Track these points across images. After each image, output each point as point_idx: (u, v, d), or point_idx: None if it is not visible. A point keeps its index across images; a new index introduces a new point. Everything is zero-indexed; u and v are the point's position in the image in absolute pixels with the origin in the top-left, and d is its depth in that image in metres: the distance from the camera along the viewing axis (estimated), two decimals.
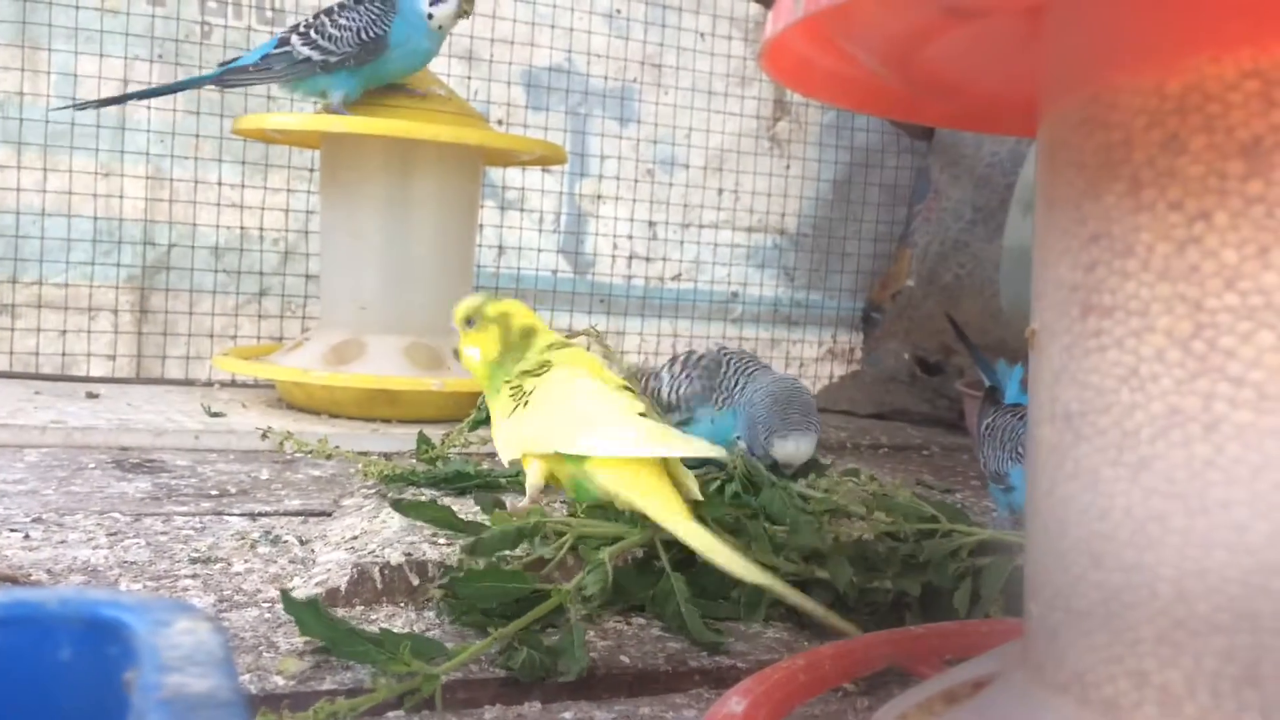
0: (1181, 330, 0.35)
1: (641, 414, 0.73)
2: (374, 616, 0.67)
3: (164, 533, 0.81)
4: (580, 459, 0.73)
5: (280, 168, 1.63)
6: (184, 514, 0.87)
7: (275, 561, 0.76)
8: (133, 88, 1.55)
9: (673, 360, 1.03)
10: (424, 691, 0.55)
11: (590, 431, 0.73)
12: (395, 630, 0.59)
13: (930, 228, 1.85)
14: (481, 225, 1.71)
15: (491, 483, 0.90)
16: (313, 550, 0.78)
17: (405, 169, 1.37)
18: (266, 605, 0.67)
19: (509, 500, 0.80)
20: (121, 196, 1.56)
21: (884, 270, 1.99)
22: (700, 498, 0.72)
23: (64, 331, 1.54)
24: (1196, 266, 0.35)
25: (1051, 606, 0.40)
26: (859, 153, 2.00)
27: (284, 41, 1.32)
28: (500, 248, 1.79)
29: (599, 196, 1.85)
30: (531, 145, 1.42)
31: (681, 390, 0.98)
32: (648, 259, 1.89)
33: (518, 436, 0.77)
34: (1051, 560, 0.40)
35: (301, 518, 0.88)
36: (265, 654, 0.59)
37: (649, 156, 1.87)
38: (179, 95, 1.57)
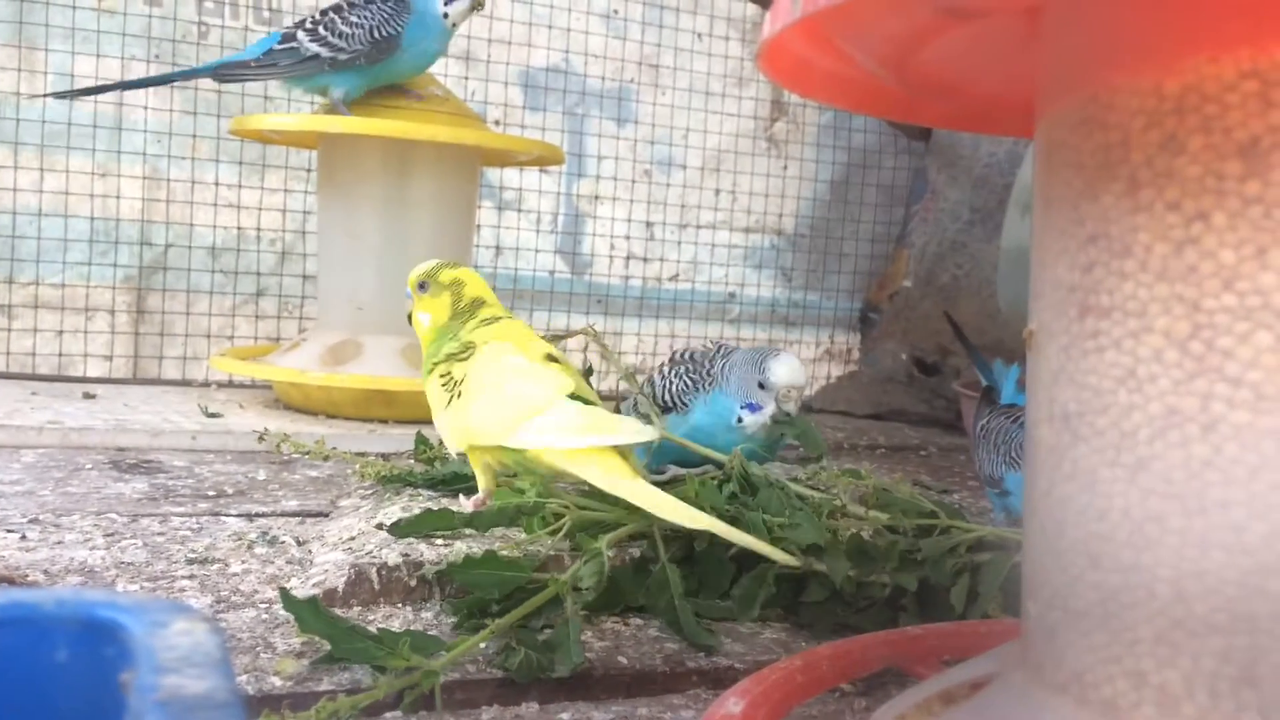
0: (1179, 331, 0.35)
1: (573, 394, 0.74)
2: (371, 617, 0.67)
3: (161, 533, 0.81)
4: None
5: (277, 168, 1.63)
6: (181, 515, 0.87)
7: (272, 562, 0.76)
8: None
9: (664, 362, 1.04)
10: (423, 687, 0.55)
11: (528, 424, 0.73)
12: (393, 630, 0.59)
13: (928, 228, 1.85)
14: (479, 226, 1.71)
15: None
16: (310, 551, 0.78)
17: (403, 169, 1.37)
18: (264, 606, 0.67)
19: (461, 499, 0.81)
20: (118, 197, 1.56)
21: (881, 271, 1.99)
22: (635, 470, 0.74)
23: (61, 332, 1.54)
24: (1194, 267, 0.35)
25: (1050, 606, 0.40)
26: (856, 153, 2.01)
27: (289, 37, 1.31)
28: (498, 248, 1.79)
29: (596, 197, 1.85)
30: (529, 146, 1.42)
31: (673, 389, 0.98)
32: (645, 259, 1.89)
33: (460, 429, 0.78)
34: (1050, 560, 0.40)
35: (299, 518, 0.88)
36: (263, 655, 0.59)
37: (646, 157, 1.87)
38: (176, 95, 1.57)
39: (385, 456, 0.96)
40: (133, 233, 1.57)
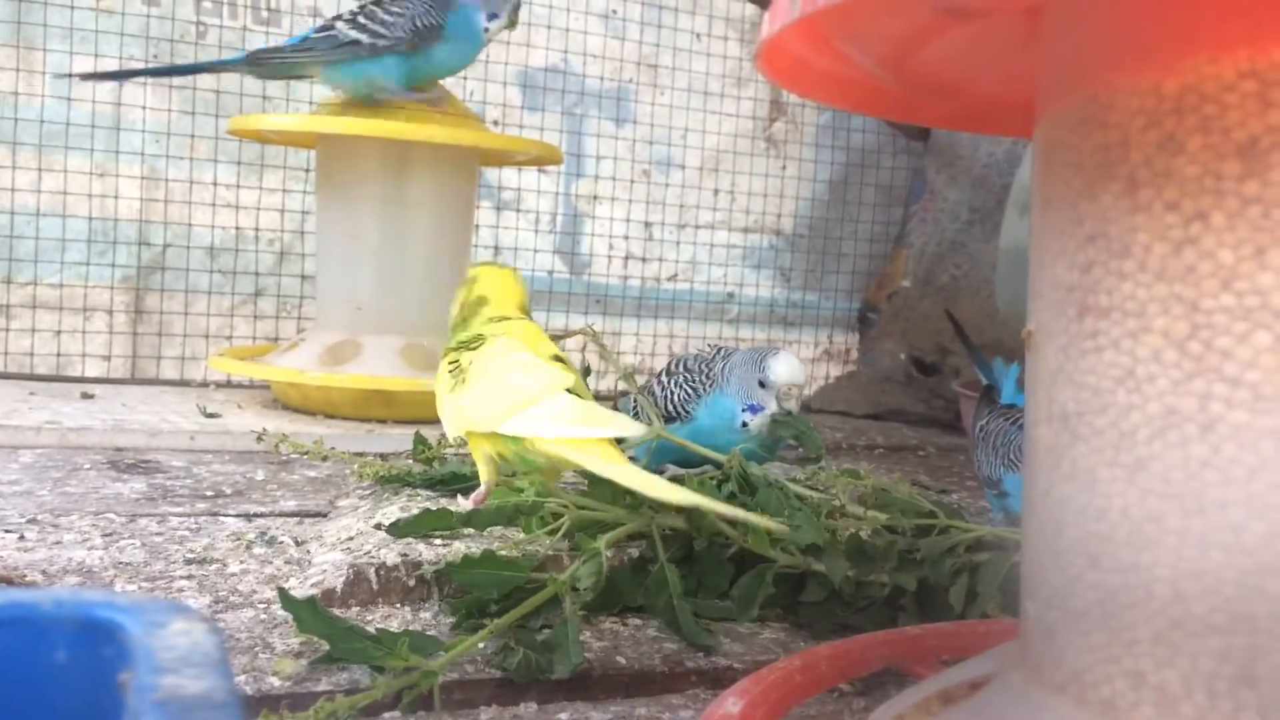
0: (1178, 331, 0.35)
1: (570, 389, 0.74)
2: (370, 617, 0.67)
3: (159, 534, 0.81)
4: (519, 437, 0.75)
5: (276, 168, 1.63)
6: (179, 515, 0.87)
7: (271, 562, 0.75)
8: (128, 88, 1.55)
9: (662, 371, 1.04)
10: (422, 687, 0.55)
11: (523, 414, 0.74)
12: (392, 630, 0.59)
13: (927, 228, 1.85)
14: (477, 226, 1.71)
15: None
16: (308, 551, 0.78)
17: (401, 169, 1.37)
18: (262, 606, 0.67)
19: (459, 498, 0.81)
20: (116, 197, 1.56)
21: (880, 271, 1.99)
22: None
23: (59, 332, 1.54)
24: (1193, 267, 0.35)
25: (1049, 606, 0.40)
26: (855, 153, 2.01)
27: (327, 26, 1.32)
28: (496, 248, 1.79)
29: (595, 197, 1.85)
30: (527, 146, 1.42)
31: (675, 399, 0.98)
32: (644, 259, 1.89)
33: (459, 414, 0.78)
34: (1049, 560, 0.40)
35: (297, 518, 0.88)
36: (261, 655, 0.59)
37: (645, 157, 1.87)
38: (174, 95, 1.57)
39: (384, 457, 0.96)
40: (131, 233, 1.57)
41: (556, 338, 1.07)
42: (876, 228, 2.02)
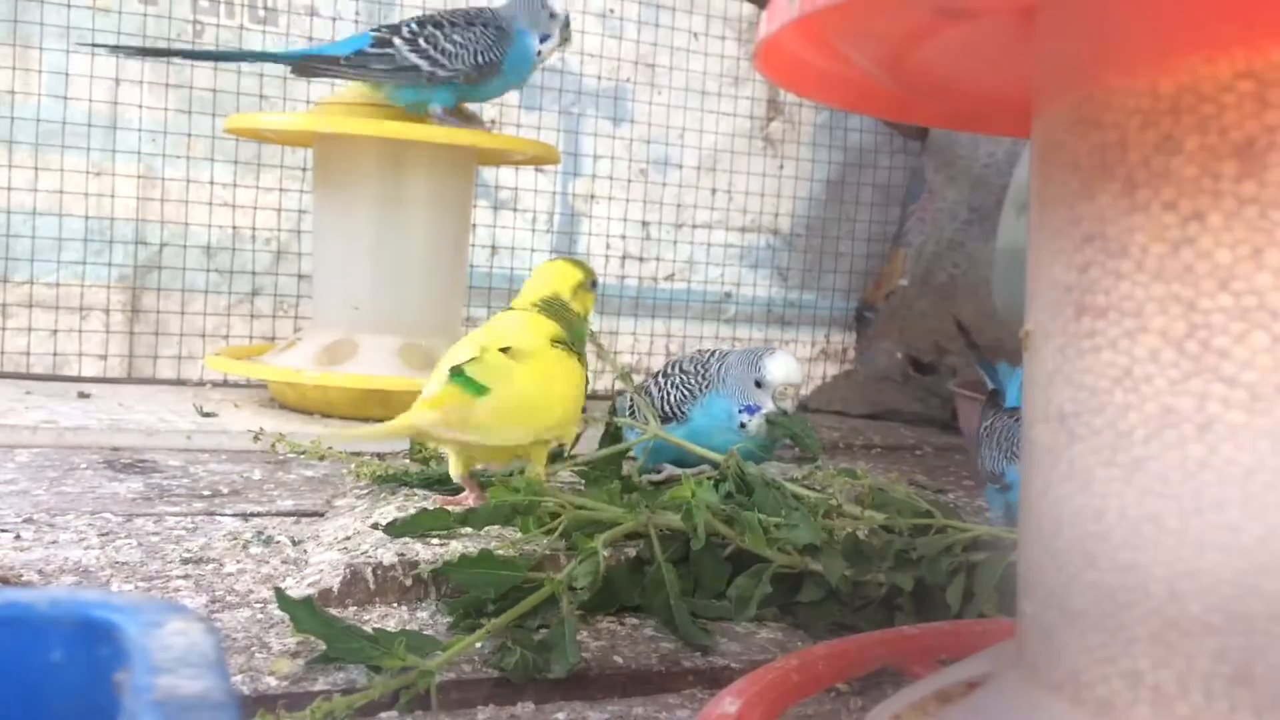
0: (1175, 331, 0.35)
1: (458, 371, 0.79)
2: (367, 617, 0.67)
3: (156, 533, 0.81)
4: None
5: (273, 167, 1.63)
6: (176, 514, 0.87)
7: (267, 562, 0.75)
8: (125, 86, 1.55)
9: (659, 371, 1.04)
10: (419, 686, 0.55)
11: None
12: (389, 630, 0.59)
13: (925, 228, 1.85)
14: (475, 225, 1.70)
15: (485, 483, 0.90)
16: (305, 551, 0.78)
17: (398, 169, 1.37)
18: (259, 606, 0.67)
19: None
20: (113, 196, 1.55)
21: (877, 270, 1.99)
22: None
23: (55, 331, 1.54)
24: (1190, 267, 0.35)
25: (1046, 606, 0.40)
26: (852, 153, 2.01)
27: (383, 42, 1.30)
28: (493, 247, 1.79)
29: (592, 196, 1.85)
30: (525, 145, 1.42)
31: (671, 399, 0.99)
32: (641, 259, 1.89)
33: None
34: (1046, 560, 0.40)
35: (294, 518, 0.88)
36: (258, 655, 0.59)
37: (642, 156, 1.87)
38: (171, 94, 1.57)
39: (381, 456, 0.96)
40: (127, 232, 1.57)
41: None
42: (874, 227, 2.02)
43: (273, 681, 0.56)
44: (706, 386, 0.97)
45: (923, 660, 0.58)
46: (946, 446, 1.50)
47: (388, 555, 0.71)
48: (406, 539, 0.74)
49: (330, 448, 0.91)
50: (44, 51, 1.51)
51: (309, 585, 0.69)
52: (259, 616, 0.65)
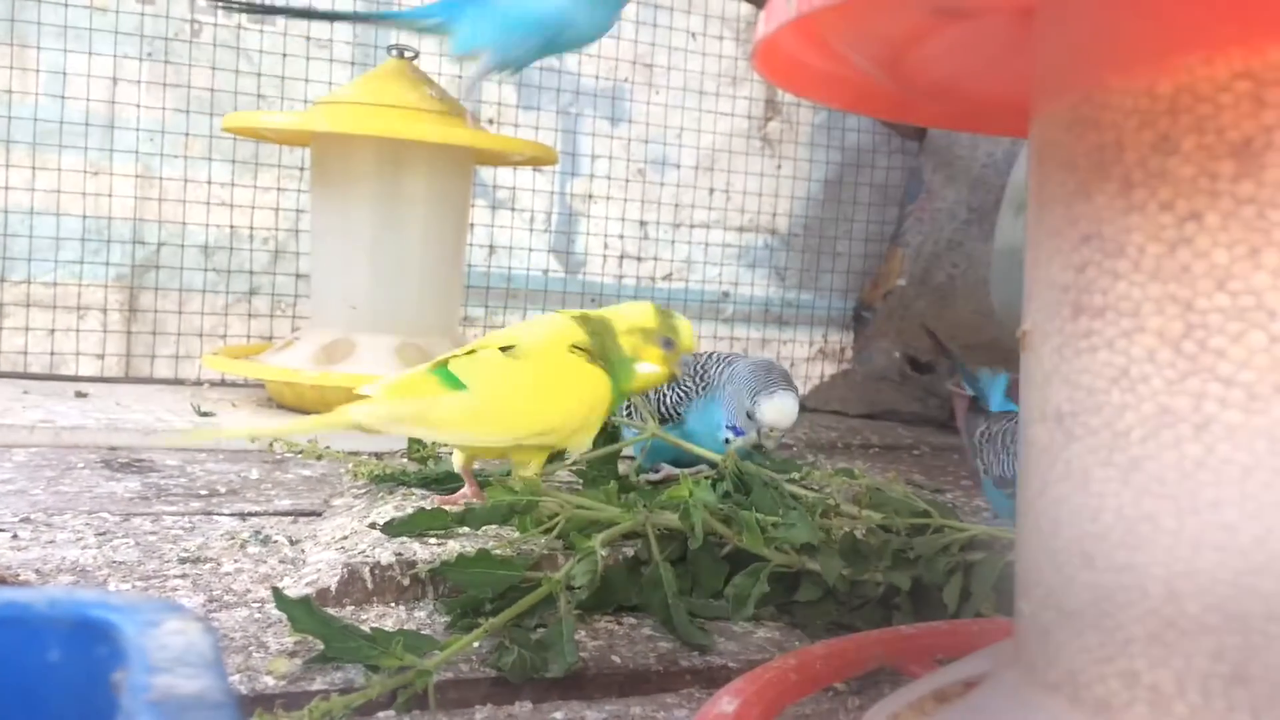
0: (1172, 331, 0.35)
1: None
2: (364, 616, 0.67)
3: (153, 533, 0.81)
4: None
5: (270, 166, 1.63)
6: (173, 514, 0.87)
7: (265, 561, 0.75)
8: (123, 86, 1.54)
9: None
10: (416, 686, 0.55)
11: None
12: (386, 629, 0.59)
13: (923, 228, 1.85)
14: (472, 225, 1.70)
15: (482, 483, 0.89)
16: (303, 550, 0.78)
17: (396, 168, 1.37)
18: (256, 605, 0.67)
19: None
20: (110, 195, 1.55)
21: (875, 270, 1.99)
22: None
23: (53, 330, 1.54)
24: (1187, 267, 0.35)
25: (1043, 606, 0.40)
26: (850, 153, 2.01)
27: None
28: (491, 247, 1.79)
29: (590, 196, 1.85)
30: (522, 146, 1.42)
31: (668, 399, 0.99)
32: (639, 259, 1.89)
33: None
34: (1043, 560, 0.40)
35: (291, 517, 0.88)
36: (255, 654, 0.59)
37: (640, 156, 1.87)
38: (168, 93, 1.56)
39: (378, 455, 0.96)
40: (125, 231, 1.56)
41: None
42: (871, 227, 2.02)
43: (270, 681, 0.56)
44: (704, 390, 0.97)
45: (920, 660, 0.58)
46: (944, 446, 1.50)
47: (385, 555, 0.71)
48: (404, 538, 0.74)
49: (327, 447, 0.91)
50: (41, 51, 1.50)
51: (306, 585, 0.69)
52: (256, 616, 0.65)
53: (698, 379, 0.98)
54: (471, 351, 0.81)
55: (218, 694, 0.28)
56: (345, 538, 0.76)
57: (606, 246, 1.86)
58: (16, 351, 1.52)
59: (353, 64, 1.66)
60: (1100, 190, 0.37)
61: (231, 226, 1.62)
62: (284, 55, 1.61)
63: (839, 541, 0.73)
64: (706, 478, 0.82)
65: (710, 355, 1.01)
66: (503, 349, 0.80)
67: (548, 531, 0.72)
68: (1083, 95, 0.38)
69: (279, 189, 1.63)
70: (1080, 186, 0.38)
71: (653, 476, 0.98)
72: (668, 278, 1.91)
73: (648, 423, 0.93)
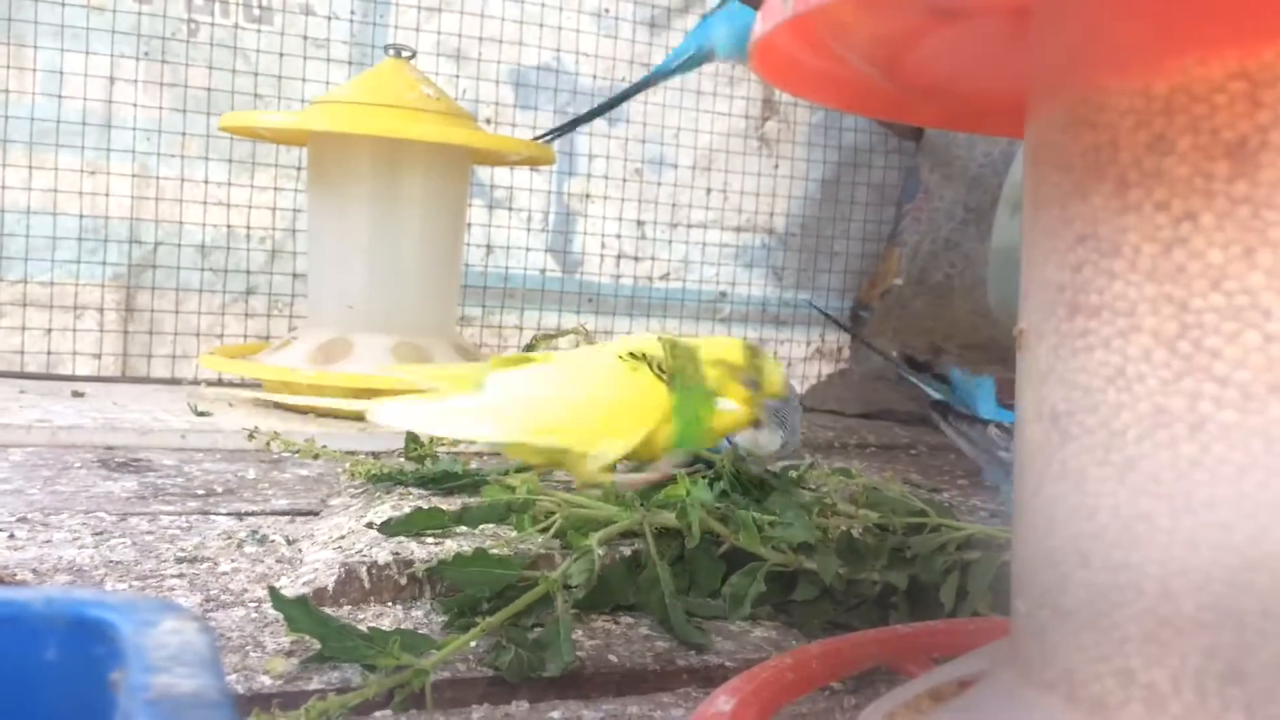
0: (1168, 330, 0.35)
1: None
2: (361, 616, 0.67)
3: (150, 532, 0.81)
4: None
5: (267, 166, 1.63)
6: (170, 513, 0.87)
7: (262, 561, 0.75)
8: (120, 86, 1.54)
9: None
10: (413, 685, 0.55)
11: None
12: (383, 629, 0.59)
13: (920, 227, 1.86)
14: (470, 224, 1.70)
15: (480, 482, 0.90)
16: (300, 550, 0.78)
17: (393, 168, 1.37)
18: (253, 605, 0.67)
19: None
20: (107, 195, 1.55)
21: (872, 269, 1.99)
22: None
23: (49, 330, 1.54)
24: (1183, 267, 0.35)
25: (1039, 605, 0.40)
26: (847, 152, 2.01)
27: None
28: (488, 247, 1.79)
29: (587, 196, 1.85)
30: (519, 145, 1.42)
31: None
32: (636, 258, 1.89)
33: None
34: (1039, 559, 0.40)
35: (288, 517, 0.88)
36: (252, 654, 0.59)
37: (637, 156, 1.87)
38: (165, 93, 1.56)
39: (375, 455, 0.96)
40: (122, 231, 1.56)
41: (548, 337, 1.07)
42: (869, 226, 2.02)
43: (267, 680, 0.56)
44: None
45: (916, 659, 0.58)
46: (941, 445, 1.50)
47: (382, 554, 0.71)
48: (401, 538, 0.74)
49: (324, 446, 0.91)
50: (38, 50, 1.50)
51: (304, 584, 0.69)
52: (253, 615, 0.65)
53: None
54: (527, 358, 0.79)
55: (215, 693, 0.28)
56: (342, 537, 0.76)
57: (604, 246, 1.86)
58: (13, 351, 1.52)
59: (349, 64, 1.66)
60: (1096, 190, 0.37)
61: (228, 226, 1.62)
62: (281, 55, 1.61)
63: (836, 540, 0.73)
64: (704, 476, 0.82)
65: None
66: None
67: (545, 530, 0.72)
68: (1079, 95, 0.38)
69: (276, 188, 1.63)
70: (1076, 186, 0.38)
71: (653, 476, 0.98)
72: (665, 277, 1.91)
73: None
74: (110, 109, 1.54)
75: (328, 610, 0.66)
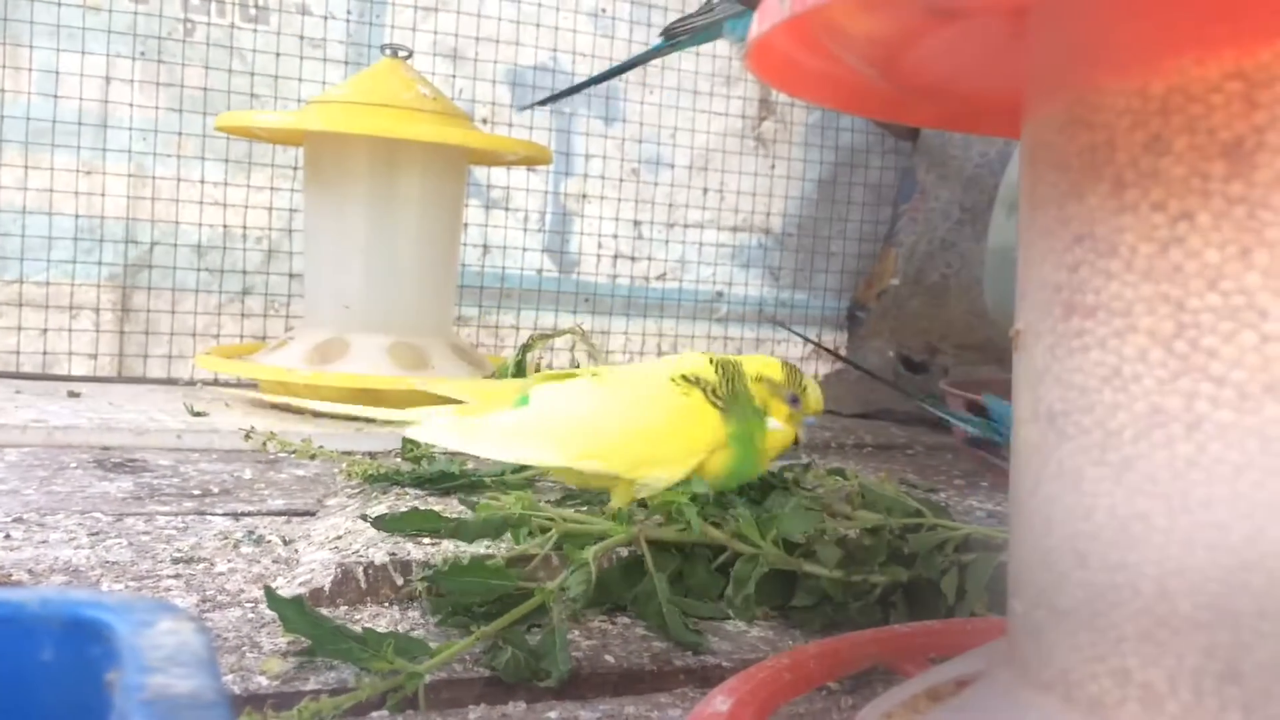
0: (1164, 330, 0.35)
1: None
2: (358, 616, 0.67)
3: (146, 533, 0.81)
4: None
5: (264, 165, 1.63)
6: (166, 514, 0.87)
7: (258, 561, 0.75)
8: (116, 85, 1.54)
9: None
10: (407, 689, 0.55)
11: None
12: (379, 630, 0.59)
13: (917, 227, 1.86)
14: (466, 224, 1.70)
15: (476, 483, 0.90)
16: (296, 550, 0.78)
17: (390, 168, 1.37)
18: (250, 605, 0.67)
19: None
20: (103, 194, 1.55)
21: (869, 270, 1.99)
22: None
23: (45, 330, 1.53)
24: (1179, 267, 0.35)
25: (1036, 605, 0.40)
26: (844, 152, 2.01)
27: None
28: (485, 247, 1.78)
29: (584, 196, 1.85)
30: (516, 145, 1.42)
31: None
32: (633, 258, 1.89)
33: None
34: (1036, 559, 0.40)
35: (285, 517, 0.88)
36: (248, 654, 0.59)
37: (634, 156, 1.87)
38: (162, 92, 1.56)
39: (372, 455, 0.96)
40: (118, 230, 1.56)
41: (545, 337, 1.07)
42: (865, 227, 2.02)
43: (263, 681, 0.56)
44: None
45: (914, 658, 0.58)
46: (937, 445, 1.50)
47: (379, 555, 0.71)
48: (398, 538, 0.74)
49: (321, 446, 0.91)
50: (34, 49, 1.50)
51: (300, 585, 0.69)
52: (250, 616, 0.65)
53: None
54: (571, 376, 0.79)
55: (211, 694, 0.28)
56: (339, 538, 0.76)
57: (600, 246, 1.86)
58: (9, 351, 1.52)
59: (346, 63, 1.66)
60: (1093, 190, 0.37)
61: (225, 226, 1.62)
62: (277, 54, 1.61)
63: (834, 540, 0.73)
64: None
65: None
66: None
67: (541, 546, 0.71)
68: (1075, 95, 0.38)
69: (272, 188, 1.63)
70: (1073, 187, 0.38)
71: None
72: (661, 277, 1.91)
73: None
74: (106, 109, 1.54)
75: (324, 610, 0.66)
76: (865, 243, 2.02)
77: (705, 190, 1.92)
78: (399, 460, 0.99)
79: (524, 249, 1.81)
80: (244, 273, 1.63)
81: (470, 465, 0.94)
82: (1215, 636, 0.34)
